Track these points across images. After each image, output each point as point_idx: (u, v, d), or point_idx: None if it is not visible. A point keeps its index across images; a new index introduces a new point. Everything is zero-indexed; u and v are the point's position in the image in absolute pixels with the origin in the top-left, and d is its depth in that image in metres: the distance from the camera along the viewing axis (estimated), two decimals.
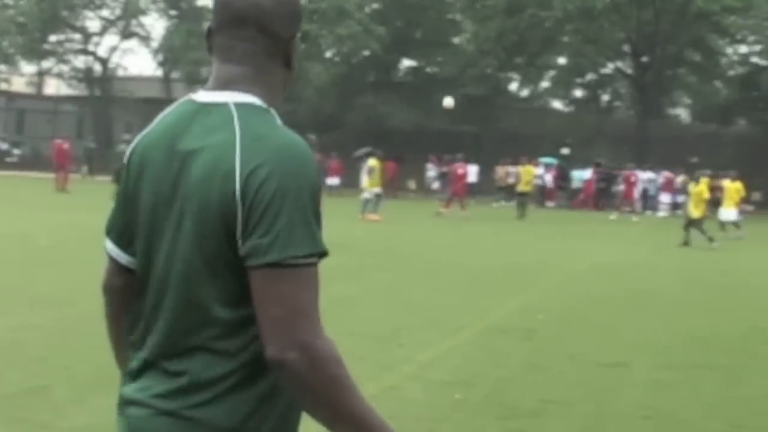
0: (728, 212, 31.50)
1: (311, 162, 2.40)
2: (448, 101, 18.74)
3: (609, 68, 69.63)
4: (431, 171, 52.21)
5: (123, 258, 2.66)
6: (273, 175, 2.31)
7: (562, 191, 52.56)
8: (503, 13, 58.52)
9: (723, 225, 31.18)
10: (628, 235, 31.27)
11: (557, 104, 77.14)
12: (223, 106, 2.46)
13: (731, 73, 66.09)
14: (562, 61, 70.26)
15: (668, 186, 48.62)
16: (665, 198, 48.44)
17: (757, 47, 63.03)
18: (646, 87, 62.18)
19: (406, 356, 9.90)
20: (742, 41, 63.90)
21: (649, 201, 49.71)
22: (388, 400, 7.46)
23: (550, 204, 50.03)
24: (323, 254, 2.36)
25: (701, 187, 27.73)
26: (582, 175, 51.24)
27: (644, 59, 62.79)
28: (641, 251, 25.06)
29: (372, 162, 33.01)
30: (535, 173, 41.98)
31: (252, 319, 2.35)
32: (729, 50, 66.32)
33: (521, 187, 39.22)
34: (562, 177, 52.36)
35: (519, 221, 35.29)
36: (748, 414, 8.11)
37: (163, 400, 2.42)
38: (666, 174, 48.92)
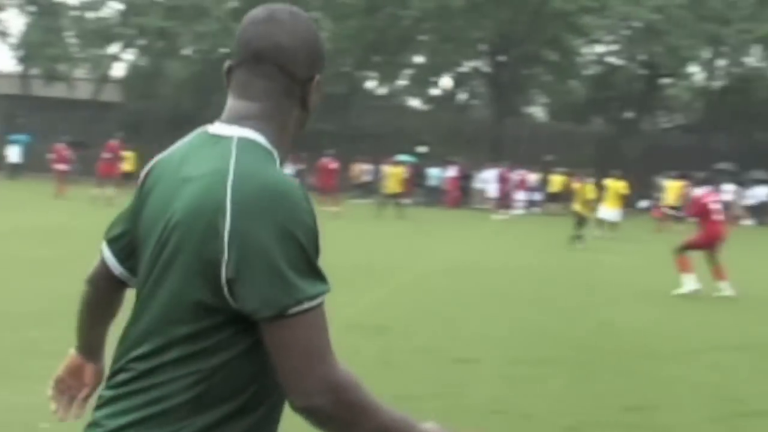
0: (609, 212, 31.54)
1: (302, 202, 2.39)
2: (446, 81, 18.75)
3: (466, 67, 70.28)
4: (287, 169, 52.08)
5: (117, 269, 2.75)
6: (263, 218, 2.31)
7: (419, 189, 52.90)
8: (362, 12, 58.76)
9: (601, 223, 31.33)
10: (485, 233, 31.64)
11: (415, 102, 77.63)
12: (227, 140, 2.49)
13: (587, 72, 67.30)
14: (419, 59, 70.71)
15: (523, 184, 49.34)
16: (521, 196, 49.14)
17: (613, 47, 64.30)
18: (503, 86, 63.08)
19: None
20: (598, 41, 65.13)
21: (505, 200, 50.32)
22: None
23: (406, 201, 50.31)
24: (328, 291, 2.44)
25: (588, 187, 28.21)
26: (440, 174, 51.65)
27: (501, 58, 63.63)
28: (497, 249, 25.39)
29: None
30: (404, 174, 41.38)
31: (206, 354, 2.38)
32: (585, 50, 67.49)
33: (391, 188, 38.52)
34: (418, 175, 52.69)
35: (377, 219, 35.33)
36: (596, 409, 8.26)
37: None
38: (521, 172, 49.62)
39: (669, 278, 17.14)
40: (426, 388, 8.66)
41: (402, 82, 75.08)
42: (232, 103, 2.61)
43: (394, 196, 38.57)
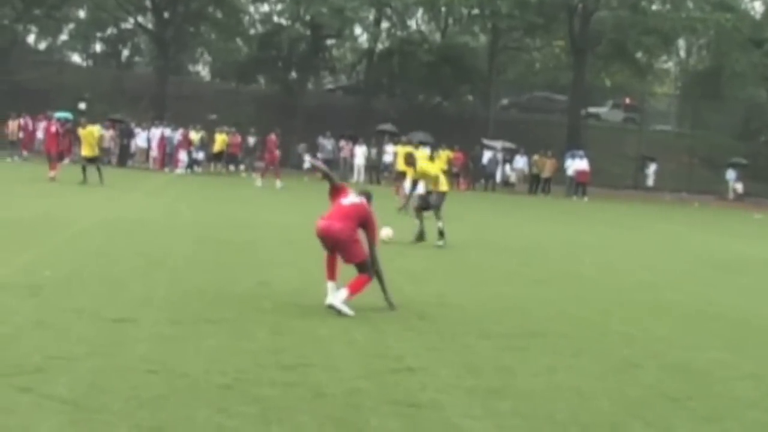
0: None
1: None
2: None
3: (130, 23, 69.04)
4: None
5: None
6: None
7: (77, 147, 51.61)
8: None
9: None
10: (142, 192, 31.26)
11: (76, 58, 75.69)
12: None
13: (252, 31, 67.39)
14: (82, 14, 68.92)
15: (185, 143, 48.91)
16: (183, 156, 48.71)
17: (279, 6, 64.63)
18: (167, 43, 62.28)
19: None
20: (265, 0, 65.45)
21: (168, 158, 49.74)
22: None
23: (66, 161, 48.95)
24: None
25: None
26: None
27: (165, 15, 62.78)
28: (156, 208, 25.14)
29: None
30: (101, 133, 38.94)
31: None
32: (251, 8, 67.59)
33: (87, 152, 33.40)
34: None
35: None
36: (252, 366, 8.29)
37: None
38: (182, 131, 49.18)
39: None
40: (80, 348, 8.46)
41: (63, 37, 73.06)
42: None
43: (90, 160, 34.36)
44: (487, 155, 53.25)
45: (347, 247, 11.22)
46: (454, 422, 7.10)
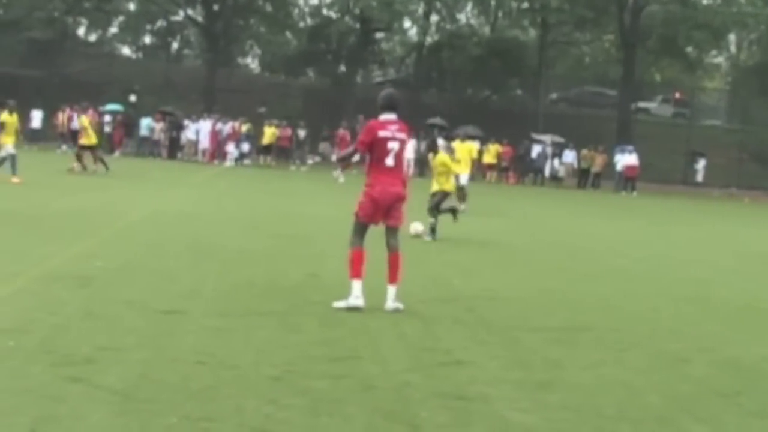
0: (465, 177, 26.93)
1: None
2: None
3: (180, 16, 69.39)
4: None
5: None
6: None
7: (130, 139, 51.94)
8: None
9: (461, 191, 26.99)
10: (192, 184, 31.41)
11: (126, 51, 76.14)
12: None
13: (302, 24, 67.49)
14: (131, 6, 69.34)
15: (234, 136, 49.14)
16: (231, 148, 48.94)
17: None
18: (216, 36, 62.52)
19: None
20: None
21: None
22: None
23: (117, 153, 49.33)
24: None
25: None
26: (150, 124, 50.74)
27: (215, 7, 63.03)
28: (206, 200, 25.26)
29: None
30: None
31: None
32: (301, 1, 67.71)
33: (87, 141, 33.16)
34: (129, 124, 51.68)
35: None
36: (301, 358, 8.30)
37: None
38: (232, 124, 49.41)
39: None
40: (130, 339, 8.51)
41: (113, 30, 73.52)
42: None
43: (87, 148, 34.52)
44: (536, 149, 53.13)
45: (401, 207, 11.11)
46: (503, 415, 7.08)
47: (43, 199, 22.00)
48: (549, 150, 53.58)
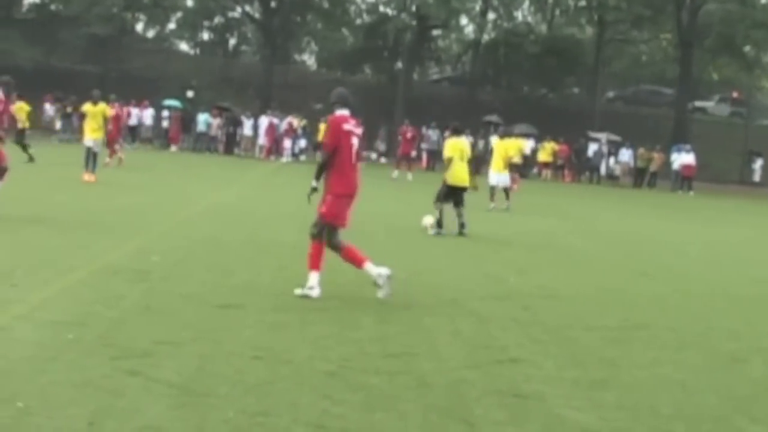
0: (497, 176, 26.24)
1: None
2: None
3: (237, 12, 69.68)
4: (49, 110, 50.73)
5: None
6: None
7: (187, 135, 52.22)
8: None
9: (492, 190, 26.29)
10: (249, 179, 31.54)
11: (183, 46, 76.57)
12: None
13: (358, 21, 67.53)
14: (189, 2, 69.71)
15: (291, 132, 49.29)
16: (288, 144, 49.10)
17: None
18: (273, 32, 62.72)
19: (18, 297, 9.59)
20: None
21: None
22: None
23: (173, 148, 49.64)
24: None
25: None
26: (207, 119, 50.97)
27: (272, 4, 63.25)
28: (262, 196, 25.36)
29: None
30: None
31: None
32: None
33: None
34: (186, 120, 51.92)
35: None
36: (357, 354, 8.32)
37: None
38: (289, 120, 49.55)
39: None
40: (187, 333, 8.57)
41: (171, 26, 73.97)
42: None
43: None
44: (592, 148, 52.87)
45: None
46: (558, 413, 7.07)
47: (102, 194, 22.18)
48: (605, 148, 53.30)
